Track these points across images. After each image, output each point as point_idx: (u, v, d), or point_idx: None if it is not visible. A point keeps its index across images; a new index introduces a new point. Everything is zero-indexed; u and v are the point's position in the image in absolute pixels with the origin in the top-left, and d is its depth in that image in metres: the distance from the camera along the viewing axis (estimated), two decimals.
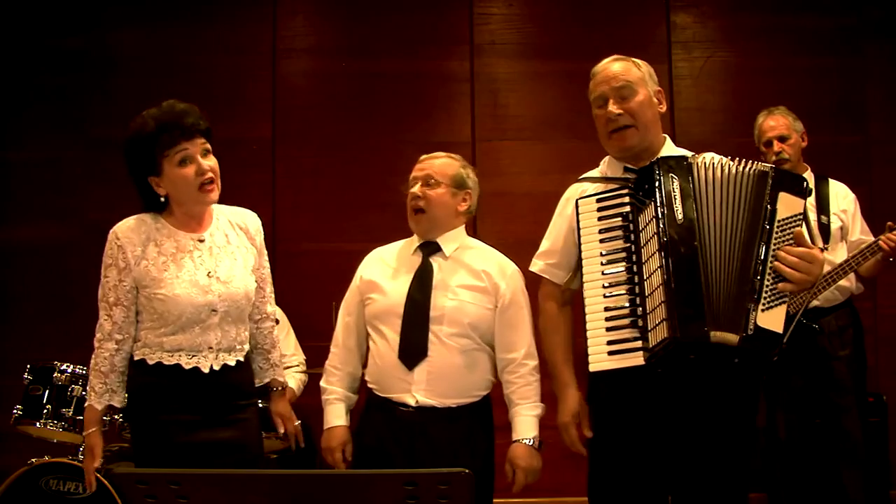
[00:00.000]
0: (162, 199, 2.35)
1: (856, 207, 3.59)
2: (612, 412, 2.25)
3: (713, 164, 2.07)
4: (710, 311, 1.97)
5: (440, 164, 2.61)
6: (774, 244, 2.00)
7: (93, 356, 2.36)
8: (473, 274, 2.53)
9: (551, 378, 2.44)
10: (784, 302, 1.99)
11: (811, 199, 3.57)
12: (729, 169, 2.06)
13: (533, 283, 2.53)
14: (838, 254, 3.49)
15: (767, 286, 1.98)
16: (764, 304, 1.96)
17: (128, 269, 2.31)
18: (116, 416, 3.27)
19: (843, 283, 3.43)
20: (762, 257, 1.98)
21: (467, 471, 1.55)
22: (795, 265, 1.98)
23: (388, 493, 1.56)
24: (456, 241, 2.60)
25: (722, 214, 2.03)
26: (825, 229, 3.51)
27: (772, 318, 1.96)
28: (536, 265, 2.46)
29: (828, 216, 3.53)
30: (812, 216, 3.54)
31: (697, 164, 2.07)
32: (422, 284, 2.50)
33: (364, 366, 2.63)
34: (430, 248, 2.57)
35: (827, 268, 3.39)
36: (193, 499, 1.54)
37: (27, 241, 4.46)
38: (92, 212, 4.24)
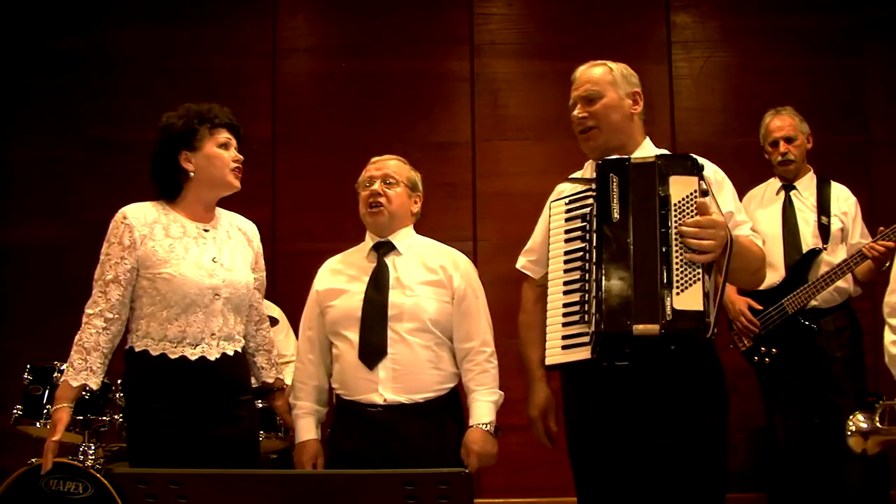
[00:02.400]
0: (190, 173, 2.40)
1: (857, 211, 3.60)
2: (582, 407, 2.31)
3: (639, 163, 2.16)
4: (635, 305, 2.03)
5: (396, 165, 2.67)
6: (677, 225, 2.06)
7: (79, 332, 2.35)
8: (429, 269, 2.58)
9: (525, 372, 2.50)
10: (699, 279, 2.03)
11: (812, 201, 3.59)
12: (638, 166, 2.15)
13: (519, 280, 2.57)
14: (838, 255, 3.50)
15: (678, 269, 2.03)
16: (678, 288, 2.01)
17: (132, 248, 2.34)
18: (117, 416, 3.28)
19: (841, 284, 3.44)
20: (665, 243, 2.05)
21: (467, 471, 1.56)
22: (697, 234, 2.04)
23: (388, 494, 1.56)
24: (407, 238, 2.65)
25: (638, 210, 2.11)
26: (825, 230, 3.53)
27: (688, 299, 2.01)
28: (519, 262, 2.56)
29: (828, 217, 3.55)
30: (812, 217, 3.57)
31: (632, 164, 2.16)
32: (378, 284, 2.54)
33: (330, 375, 2.65)
34: (384, 248, 2.61)
35: (825, 268, 3.41)
36: (193, 499, 1.54)
37: (26, 241, 4.45)
38: (91, 212, 4.21)
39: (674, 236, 2.05)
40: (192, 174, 2.41)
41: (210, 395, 2.33)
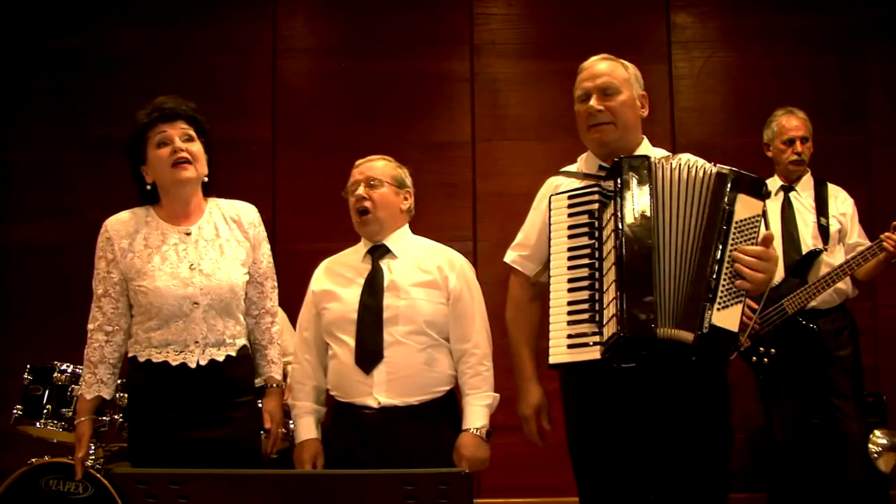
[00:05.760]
0: (148, 188, 2.41)
1: (854, 211, 3.62)
2: (584, 408, 2.29)
3: (676, 164, 2.10)
4: (662, 309, 1.99)
5: (379, 165, 2.64)
6: (732, 244, 2.02)
7: (86, 347, 2.40)
8: (424, 271, 2.56)
9: (514, 370, 2.48)
10: (740, 302, 2.00)
11: (811, 202, 3.60)
12: (690, 170, 2.09)
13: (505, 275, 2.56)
14: (836, 256, 3.50)
15: (724, 286, 2.00)
16: (720, 304, 1.98)
17: (115, 262, 2.37)
18: (117, 416, 3.28)
19: (839, 285, 3.45)
20: (719, 257, 2.01)
21: (467, 471, 1.56)
22: (752, 264, 2.00)
23: (388, 494, 1.56)
24: (402, 240, 2.63)
25: (681, 214, 2.06)
26: (824, 231, 3.53)
27: (727, 317, 1.98)
28: (509, 256, 2.52)
29: (827, 218, 3.56)
30: (811, 218, 3.57)
31: (659, 164, 2.10)
32: (372, 288, 2.52)
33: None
34: (379, 252, 2.59)
35: (825, 269, 3.41)
36: (193, 499, 1.54)
37: (27, 240, 4.45)
38: (92, 212, 4.18)
39: (729, 253, 2.01)
40: (153, 185, 2.42)
41: (195, 398, 2.33)
